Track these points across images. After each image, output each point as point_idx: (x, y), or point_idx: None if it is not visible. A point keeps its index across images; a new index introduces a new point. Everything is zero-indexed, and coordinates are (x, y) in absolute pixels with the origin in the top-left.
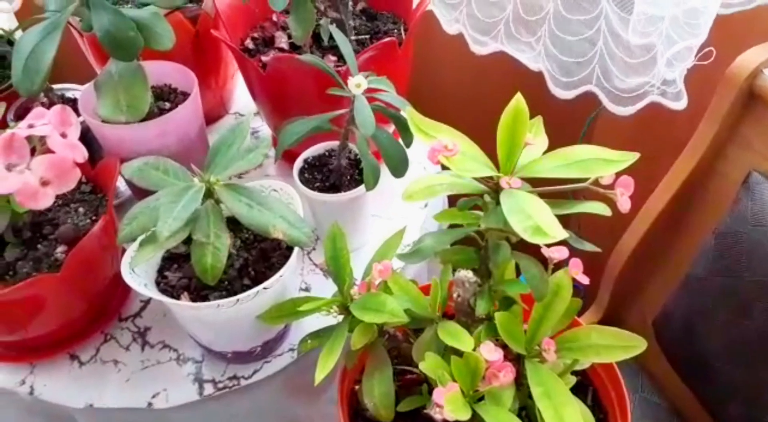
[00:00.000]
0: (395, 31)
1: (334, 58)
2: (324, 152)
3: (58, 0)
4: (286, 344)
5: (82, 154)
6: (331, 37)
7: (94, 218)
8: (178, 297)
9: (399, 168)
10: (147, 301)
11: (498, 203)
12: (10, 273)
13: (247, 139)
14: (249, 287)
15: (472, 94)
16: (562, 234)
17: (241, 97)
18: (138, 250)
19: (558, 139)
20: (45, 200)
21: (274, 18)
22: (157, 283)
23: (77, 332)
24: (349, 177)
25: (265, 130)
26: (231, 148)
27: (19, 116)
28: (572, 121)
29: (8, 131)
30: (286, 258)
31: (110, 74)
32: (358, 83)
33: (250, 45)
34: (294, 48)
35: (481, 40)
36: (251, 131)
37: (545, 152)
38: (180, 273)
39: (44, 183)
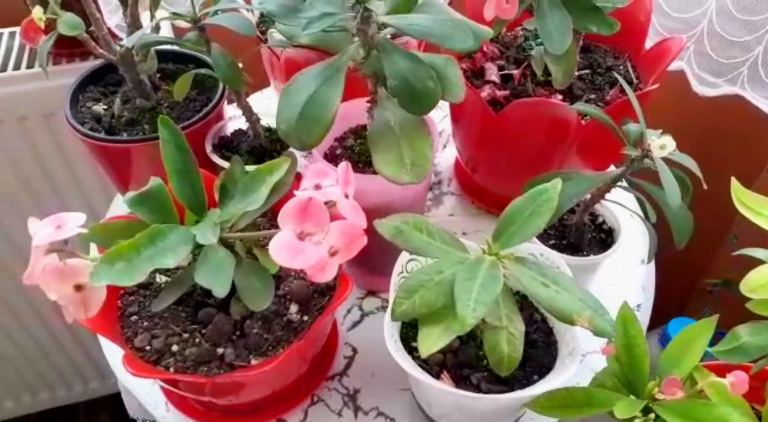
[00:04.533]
0: (620, 67)
1: (560, 97)
2: None
3: (317, 37)
4: None
5: (364, 218)
6: (545, 72)
7: None
8: (437, 376)
9: (685, 237)
10: (351, 358)
11: None
12: (237, 334)
13: (553, 211)
14: None
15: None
16: None
17: None
18: (425, 332)
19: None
20: (332, 272)
21: (484, 48)
22: None
23: (287, 395)
24: (589, 236)
25: (443, 163)
26: (530, 218)
27: (215, 145)
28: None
29: (303, 194)
30: (545, 333)
31: (388, 125)
32: (662, 144)
33: None
34: (504, 81)
35: (710, 81)
36: None
37: None
38: None
39: (332, 253)
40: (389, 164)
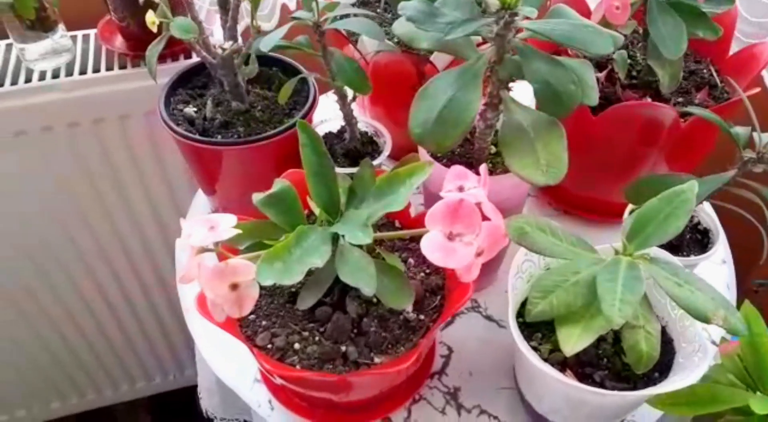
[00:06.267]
0: (703, 70)
1: (649, 100)
2: None
3: (431, 38)
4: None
5: (502, 219)
6: (629, 74)
7: (427, 270)
8: (563, 371)
9: None
10: (447, 357)
11: None
12: (354, 332)
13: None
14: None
15: None
16: None
17: None
18: (565, 333)
19: None
20: (476, 272)
21: (569, 51)
22: None
23: (394, 392)
24: (688, 236)
25: None
26: (667, 220)
27: None
28: None
29: (452, 196)
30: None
31: (520, 127)
32: None
33: None
34: None
35: None
36: None
37: None
38: (549, 345)
39: (478, 253)
40: (525, 166)
